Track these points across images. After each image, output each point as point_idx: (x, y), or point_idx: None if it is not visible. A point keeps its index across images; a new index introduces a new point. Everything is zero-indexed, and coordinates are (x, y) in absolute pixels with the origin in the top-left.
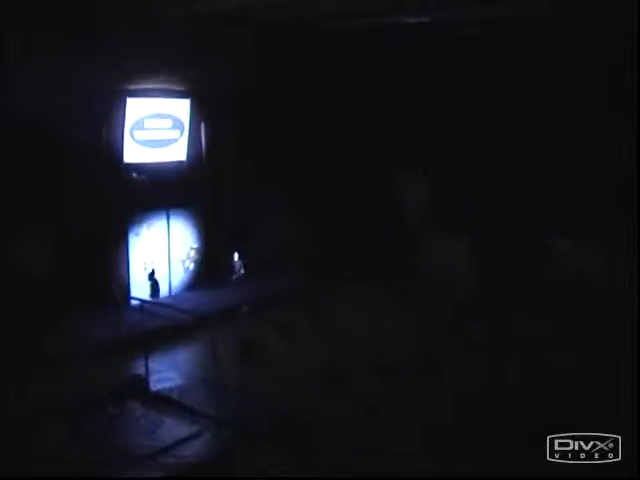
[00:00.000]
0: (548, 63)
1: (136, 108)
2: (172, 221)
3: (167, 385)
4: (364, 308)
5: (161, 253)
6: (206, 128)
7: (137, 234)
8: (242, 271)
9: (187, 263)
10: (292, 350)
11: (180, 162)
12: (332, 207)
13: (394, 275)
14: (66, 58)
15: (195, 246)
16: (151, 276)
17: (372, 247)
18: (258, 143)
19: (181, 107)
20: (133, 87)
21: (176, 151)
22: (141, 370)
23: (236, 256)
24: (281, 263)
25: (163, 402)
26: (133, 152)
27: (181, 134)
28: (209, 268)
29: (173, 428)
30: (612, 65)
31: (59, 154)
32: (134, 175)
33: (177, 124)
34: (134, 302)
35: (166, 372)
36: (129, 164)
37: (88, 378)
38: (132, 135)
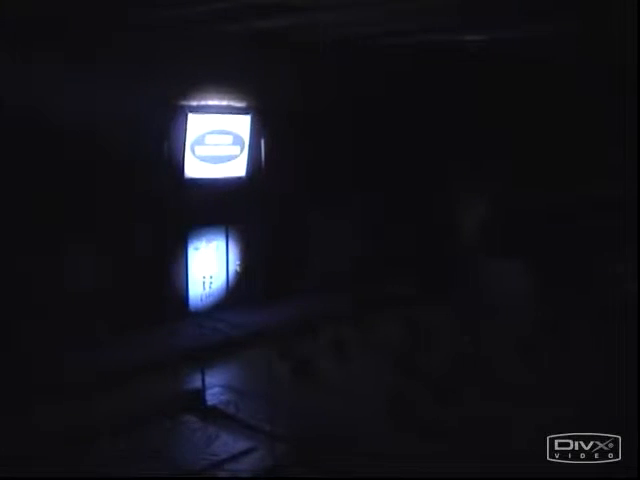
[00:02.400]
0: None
1: (197, 124)
2: (231, 236)
3: (223, 399)
4: (419, 329)
5: (219, 267)
6: (266, 145)
7: (196, 248)
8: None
9: (245, 278)
10: (347, 368)
11: (240, 178)
12: (390, 227)
13: (450, 297)
14: (130, 72)
15: (253, 261)
16: None
17: (428, 268)
18: (318, 162)
19: (242, 123)
20: (195, 103)
21: (236, 167)
22: (198, 384)
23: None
24: (337, 281)
25: (219, 416)
26: (194, 167)
27: (241, 150)
28: (266, 284)
29: (228, 442)
30: None
31: (121, 168)
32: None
33: (237, 140)
34: (192, 316)
35: (222, 386)
36: (190, 179)
37: (145, 391)
38: (193, 151)
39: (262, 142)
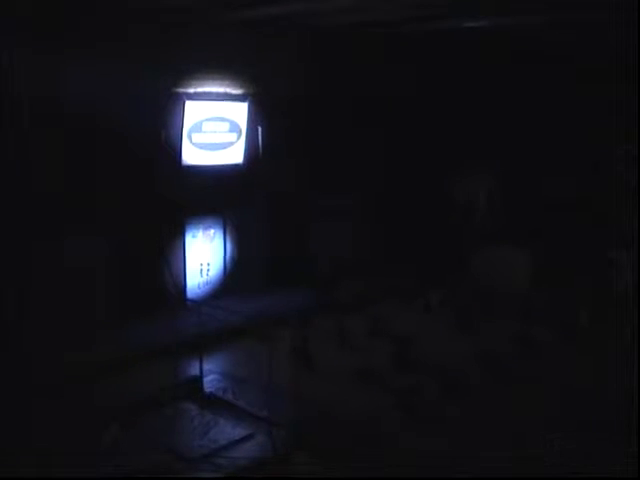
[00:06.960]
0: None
1: (194, 111)
2: (228, 223)
3: (221, 386)
4: (419, 318)
5: (217, 255)
6: (263, 132)
7: (194, 236)
8: None
9: (242, 265)
10: (346, 354)
11: (237, 165)
12: (390, 214)
13: (453, 286)
14: (128, 60)
15: (250, 249)
16: None
17: (430, 256)
18: (315, 147)
19: (239, 110)
20: (192, 90)
21: (233, 154)
22: (196, 371)
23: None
24: (339, 268)
25: (217, 403)
26: (191, 155)
27: (238, 137)
28: (264, 271)
29: (227, 429)
30: None
31: (117, 155)
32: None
33: (234, 127)
34: (190, 304)
35: (220, 373)
36: (187, 166)
37: (144, 379)
38: (190, 138)
39: (259, 129)
